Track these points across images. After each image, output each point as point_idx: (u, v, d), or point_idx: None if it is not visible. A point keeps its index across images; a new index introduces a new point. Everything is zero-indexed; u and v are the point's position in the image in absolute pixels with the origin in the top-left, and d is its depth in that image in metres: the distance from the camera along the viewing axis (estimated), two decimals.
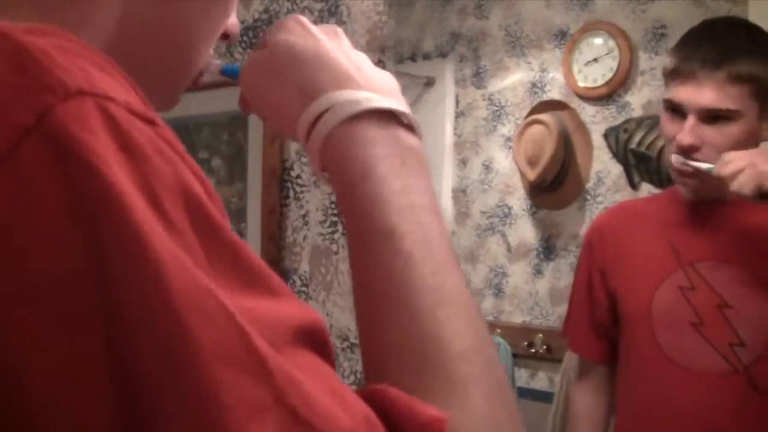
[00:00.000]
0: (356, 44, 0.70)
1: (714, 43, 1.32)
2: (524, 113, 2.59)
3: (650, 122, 2.27)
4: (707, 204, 1.41)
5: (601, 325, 1.53)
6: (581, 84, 2.49)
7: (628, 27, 2.42)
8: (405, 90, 0.56)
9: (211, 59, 0.57)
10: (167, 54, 0.51)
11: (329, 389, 0.35)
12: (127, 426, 0.31)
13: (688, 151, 1.32)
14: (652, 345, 1.39)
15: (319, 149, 0.51)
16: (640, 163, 2.31)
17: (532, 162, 2.46)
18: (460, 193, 2.74)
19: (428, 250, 0.46)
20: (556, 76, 2.56)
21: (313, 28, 0.56)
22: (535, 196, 2.58)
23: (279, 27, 0.56)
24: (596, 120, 2.48)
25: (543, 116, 2.47)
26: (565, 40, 2.54)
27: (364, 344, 0.46)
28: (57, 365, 0.31)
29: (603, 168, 2.46)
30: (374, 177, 0.48)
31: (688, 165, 1.33)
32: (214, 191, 0.37)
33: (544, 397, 2.25)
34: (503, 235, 2.65)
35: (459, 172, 2.75)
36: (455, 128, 2.76)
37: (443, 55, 2.75)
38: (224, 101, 1.90)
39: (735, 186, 1.22)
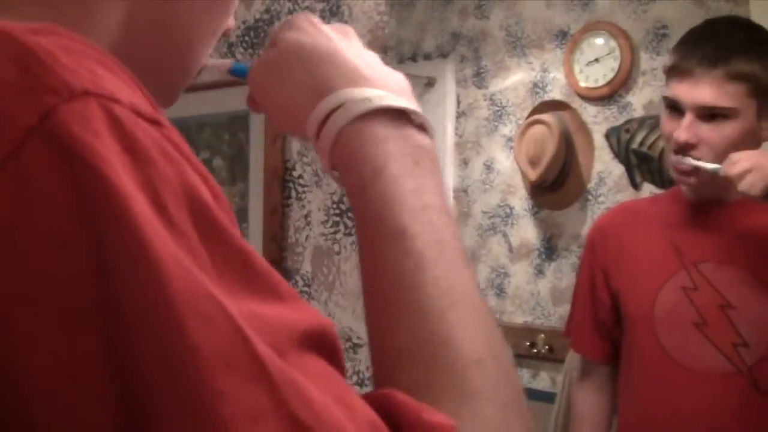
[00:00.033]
0: None
1: (712, 41, 1.33)
2: (525, 113, 2.59)
3: (652, 122, 2.26)
4: (709, 204, 1.41)
5: (603, 325, 1.53)
6: (582, 84, 2.49)
7: (629, 27, 2.42)
8: None
9: (209, 59, 0.57)
10: (169, 54, 0.50)
11: (334, 395, 0.35)
12: (127, 426, 0.31)
13: (684, 149, 1.32)
14: (654, 345, 1.39)
15: (329, 148, 0.50)
16: (641, 163, 2.31)
17: (533, 162, 2.46)
18: (461, 193, 2.74)
19: (440, 251, 0.45)
20: (558, 76, 2.56)
21: (324, 26, 0.55)
22: (537, 196, 2.58)
23: (289, 25, 0.55)
24: (597, 120, 2.48)
25: (544, 116, 2.47)
26: (566, 40, 2.54)
27: (374, 346, 0.45)
28: (57, 365, 0.31)
29: (604, 168, 2.46)
30: (386, 176, 0.48)
31: (684, 163, 1.33)
32: (221, 193, 0.37)
33: (547, 397, 2.24)
34: (505, 236, 2.65)
35: (460, 173, 2.74)
36: (456, 128, 2.75)
37: (444, 55, 2.75)
38: (226, 101, 1.90)
39: (743, 186, 1.22)
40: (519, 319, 2.58)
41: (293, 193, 1.87)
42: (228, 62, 0.60)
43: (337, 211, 1.81)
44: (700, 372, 1.35)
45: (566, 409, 2.03)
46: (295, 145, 1.89)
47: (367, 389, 0.42)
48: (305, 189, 1.86)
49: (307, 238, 1.85)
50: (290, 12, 1.90)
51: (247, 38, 1.99)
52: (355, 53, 0.53)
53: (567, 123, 2.49)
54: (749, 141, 1.32)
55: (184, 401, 0.31)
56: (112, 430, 0.31)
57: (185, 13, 0.49)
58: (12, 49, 0.33)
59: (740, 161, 1.24)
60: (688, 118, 1.32)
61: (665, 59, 1.43)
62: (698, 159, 1.32)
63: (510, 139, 2.63)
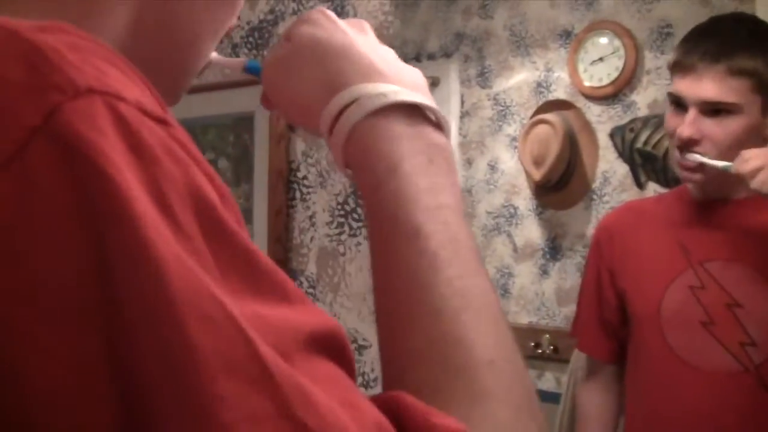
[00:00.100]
0: None
1: (716, 37, 1.32)
2: (529, 113, 2.58)
3: (656, 121, 2.26)
4: (715, 202, 1.40)
5: (609, 324, 1.53)
6: (587, 83, 2.48)
7: (633, 26, 2.41)
8: None
9: (223, 58, 0.56)
10: (171, 53, 0.50)
11: (341, 397, 0.34)
12: (127, 427, 0.31)
13: (687, 144, 1.32)
14: (661, 345, 1.39)
15: (343, 144, 0.49)
16: (646, 162, 2.30)
17: (537, 162, 2.46)
18: (465, 194, 2.73)
19: (454, 251, 0.45)
20: (562, 75, 2.55)
21: (339, 21, 0.54)
22: (541, 196, 2.57)
23: (304, 20, 0.54)
24: (602, 119, 2.47)
25: (548, 116, 2.46)
26: (570, 39, 2.53)
27: (384, 346, 0.44)
28: (57, 365, 0.30)
29: (609, 167, 2.46)
30: (400, 174, 0.47)
31: (691, 159, 1.32)
32: (228, 194, 0.36)
33: (552, 397, 2.24)
34: (509, 236, 2.64)
35: (464, 172, 2.74)
36: (460, 128, 2.75)
37: (448, 55, 2.75)
38: (230, 102, 1.90)
39: (755, 184, 1.22)
40: (523, 319, 2.57)
41: (298, 194, 1.86)
42: (242, 60, 0.60)
43: (342, 212, 1.81)
44: (707, 371, 1.34)
45: (571, 409, 2.03)
46: (299, 146, 1.89)
47: (372, 391, 0.41)
48: (310, 190, 1.86)
49: (311, 239, 1.85)
50: (295, 13, 1.90)
51: (251, 39, 1.99)
52: (371, 48, 0.52)
53: (571, 122, 2.48)
54: (753, 137, 1.32)
55: (183, 402, 0.31)
56: (113, 430, 0.31)
57: (185, 13, 0.49)
58: (20, 47, 0.33)
59: (752, 158, 1.23)
60: (692, 113, 1.31)
61: (670, 57, 1.43)
62: (702, 155, 1.32)
63: (514, 139, 2.63)
